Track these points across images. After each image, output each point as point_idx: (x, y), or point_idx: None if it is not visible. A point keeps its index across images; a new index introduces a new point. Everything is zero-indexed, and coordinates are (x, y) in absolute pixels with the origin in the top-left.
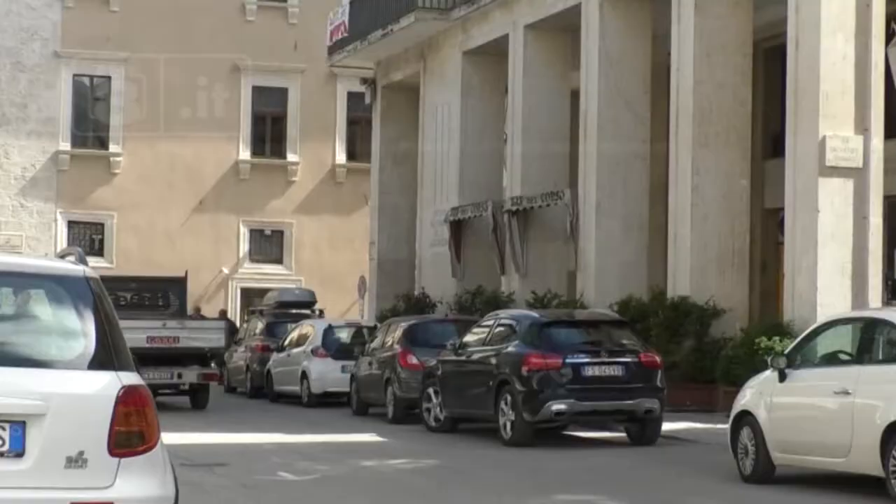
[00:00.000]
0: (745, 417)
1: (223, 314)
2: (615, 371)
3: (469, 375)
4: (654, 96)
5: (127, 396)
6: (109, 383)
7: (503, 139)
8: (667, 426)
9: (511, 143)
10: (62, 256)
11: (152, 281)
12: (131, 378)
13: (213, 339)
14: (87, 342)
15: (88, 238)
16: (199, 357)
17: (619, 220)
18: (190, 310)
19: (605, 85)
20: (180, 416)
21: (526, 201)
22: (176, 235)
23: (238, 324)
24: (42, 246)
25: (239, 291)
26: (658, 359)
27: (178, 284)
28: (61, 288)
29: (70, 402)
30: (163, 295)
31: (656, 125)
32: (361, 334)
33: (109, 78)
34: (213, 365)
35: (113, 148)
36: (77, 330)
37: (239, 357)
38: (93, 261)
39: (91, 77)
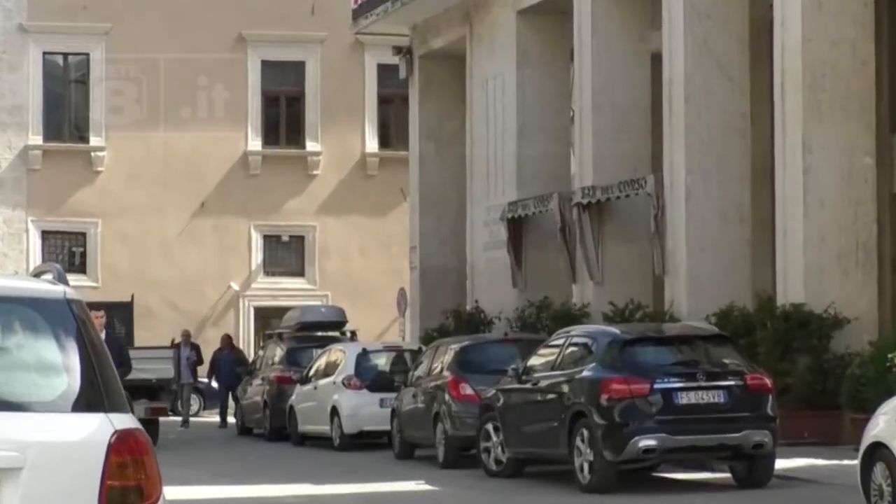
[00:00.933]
0: (879, 451)
1: (227, 339)
2: (715, 397)
3: (536, 407)
4: (753, 58)
5: (121, 443)
6: (99, 428)
7: (570, 116)
8: (780, 463)
9: (579, 122)
10: (37, 275)
11: (93, 307)
12: (125, 421)
13: (160, 369)
14: (70, 379)
15: (67, 251)
16: (146, 390)
17: (714, 212)
18: (179, 336)
19: (692, 45)
20: (184, 465)
21: (600, 192)
22: (174, 245)
23: (252, 351)
24: (11, 262)
25: (252, 311)
26: (768, 381)
27: (124, 310)
28: (37, 313)
29: (52, 452)
30: (107, 322)
31: (757, 93)
32: (403, 360)
33: (88, 55)
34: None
35: (94, 141)
36: (58, 364)
37: (254, 391)
38: (73, 279)
39: (65, 55)
